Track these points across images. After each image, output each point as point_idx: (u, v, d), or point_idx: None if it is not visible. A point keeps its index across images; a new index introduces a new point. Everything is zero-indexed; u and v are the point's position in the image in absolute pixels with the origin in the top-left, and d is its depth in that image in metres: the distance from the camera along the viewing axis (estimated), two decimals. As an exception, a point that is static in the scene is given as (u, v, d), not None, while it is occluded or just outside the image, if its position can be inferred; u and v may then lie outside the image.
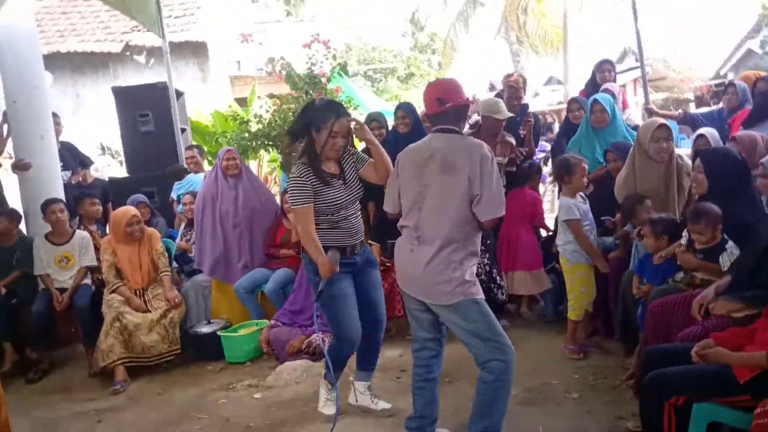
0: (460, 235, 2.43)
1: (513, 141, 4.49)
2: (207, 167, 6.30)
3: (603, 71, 5.16)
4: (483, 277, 4.04)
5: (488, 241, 4.12)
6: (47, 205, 4.50)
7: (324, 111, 2.78)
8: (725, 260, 2.73)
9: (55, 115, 5.30)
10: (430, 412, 2.67)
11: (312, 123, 2.77)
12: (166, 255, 4.41)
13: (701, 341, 2.15)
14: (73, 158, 5.54)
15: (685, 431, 2.10)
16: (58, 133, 5.33)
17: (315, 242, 2.76)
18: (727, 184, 2.86)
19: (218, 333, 4.21)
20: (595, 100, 4.28)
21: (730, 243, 2.76)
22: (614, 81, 5.18)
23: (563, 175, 3.58)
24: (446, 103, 2.48)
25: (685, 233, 2.96)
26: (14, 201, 5.14)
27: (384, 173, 2.85)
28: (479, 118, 4.68)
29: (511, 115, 4.44)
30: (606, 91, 4.70)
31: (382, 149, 2.90)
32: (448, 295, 2.43)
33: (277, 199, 5.60)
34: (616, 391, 3.09)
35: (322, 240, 2.79)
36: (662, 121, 3.66)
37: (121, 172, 7.86)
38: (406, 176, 2.59)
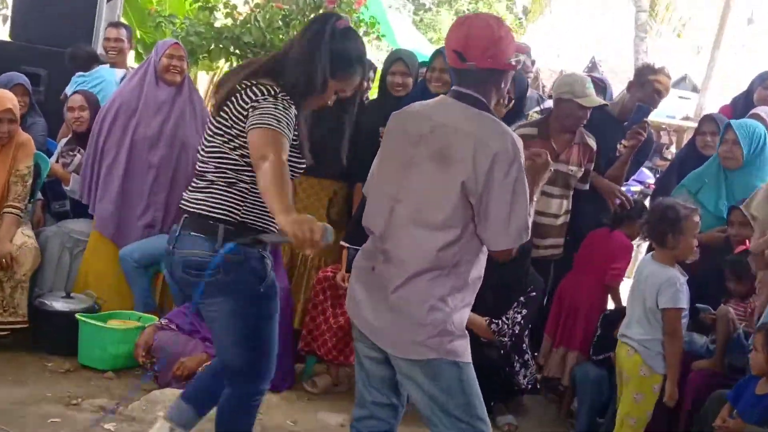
0: (447, 258, 2.43)
1: (595, 145, 4.54)
2: (133, 64, 6.28)
3: (766, 87, 5.18)
4: (507, 339, 4.07)
5: (532, 293, 4.14)
6: None
7: (356, 58, 2.73)
8: None
9: None
10: None
11: (333, 64, 2.66)
12: (28, 182, 4.39)
13: None
14: None
15: None
16: None
17: (288, 184, 2.48)
18: None
19: (77, 316, 4.22)
20: (729, 126, 4.31)
21: None
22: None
23: (668, 231, 3.56)
24: (467, 61, 2.46)
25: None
26: None
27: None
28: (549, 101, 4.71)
29: (602, 102, 4.50)
30: (755, 116, 4.70)
31: None
32: (418, 346, 2.44)
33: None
34: None
35: (261, 221, 2.71)
36: None
37: (0, 33, 7.84)
38: (388, 151, 2.63)
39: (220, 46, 5.31)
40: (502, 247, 2.43)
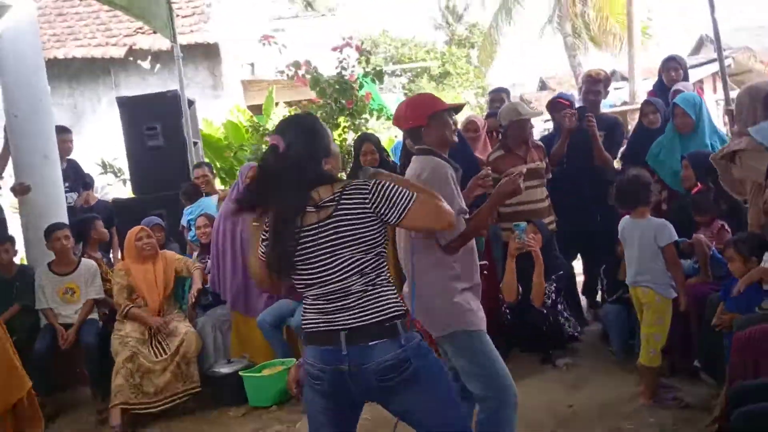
0: (428, 263, 2.62)
1: (543, 144, 4.79)
2: (218, 185, 6.54)
3: (669, 70, 5.27)
4: (548, 302, 4.28)
5: (560, 272, 4.39)
6: (51, 231, 4.76)
7: None
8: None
9: (66, 130, 5.61)
10: None
11: None
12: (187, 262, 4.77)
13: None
14: (76, 178, 5.83)
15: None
16: (68, 150, 5.66)
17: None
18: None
19: (240, 374, 4.37)
20: (675, 104, 4.48)
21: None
22: (686, 79, 5.28)
23: (645, 192, 3.63)
24: (402, 128, 2.92)
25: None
26: (14, 226, 5.46)
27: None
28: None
29: (538, 113, 4.84)
30: (678, 92, 4.82)
31: None
32: (438, 324, 2.63)
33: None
34: (700, 438, 3.17)
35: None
36: None
37: (123, 192, 8.22)
38: None
39: (281, 157, 5.49)
40: (430, 228, 2.38)
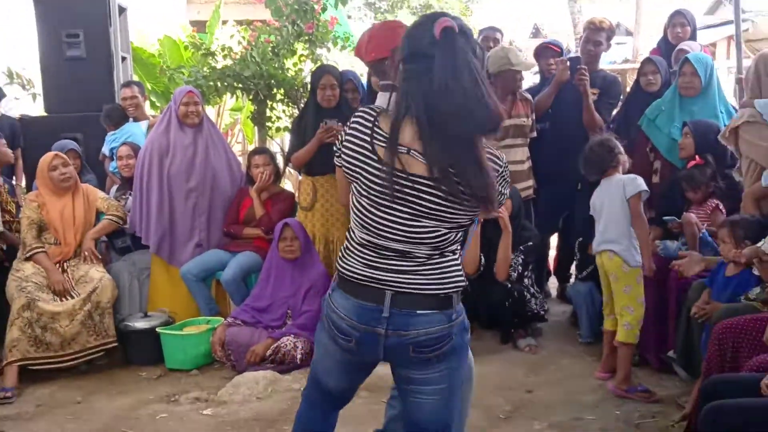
0: None
1: (531, 97, 4.89)
2: (148, 110, 6.45)
3: (674, 26, 5.38)
4: (513, 275, 4.42)
5: (529, 242, 4.51)
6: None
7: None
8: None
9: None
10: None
11: None
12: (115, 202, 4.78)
13: (773, 371, 2.38)
14: (-20, 87, 5.67)
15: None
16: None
17: None
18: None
19: (157, 330, 4.42)
20: (686, 60, 4.48)
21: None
22: (693, 38, 5.37)
23: (611, 156, 3.78)
24: (364, 60, 2.97)
25: (770, 238, 3.19)
26: None
27: None
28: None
29: (533, 64, 5.00)
30: (682, 51, 4.93)
31: None
32: None
33: (243, 161, 5.78)
34: (665, 435, 3.35)
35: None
36: None
37: (33, 109, 8.01)
38: None
39: (225, 84, 5.49)
40: None
